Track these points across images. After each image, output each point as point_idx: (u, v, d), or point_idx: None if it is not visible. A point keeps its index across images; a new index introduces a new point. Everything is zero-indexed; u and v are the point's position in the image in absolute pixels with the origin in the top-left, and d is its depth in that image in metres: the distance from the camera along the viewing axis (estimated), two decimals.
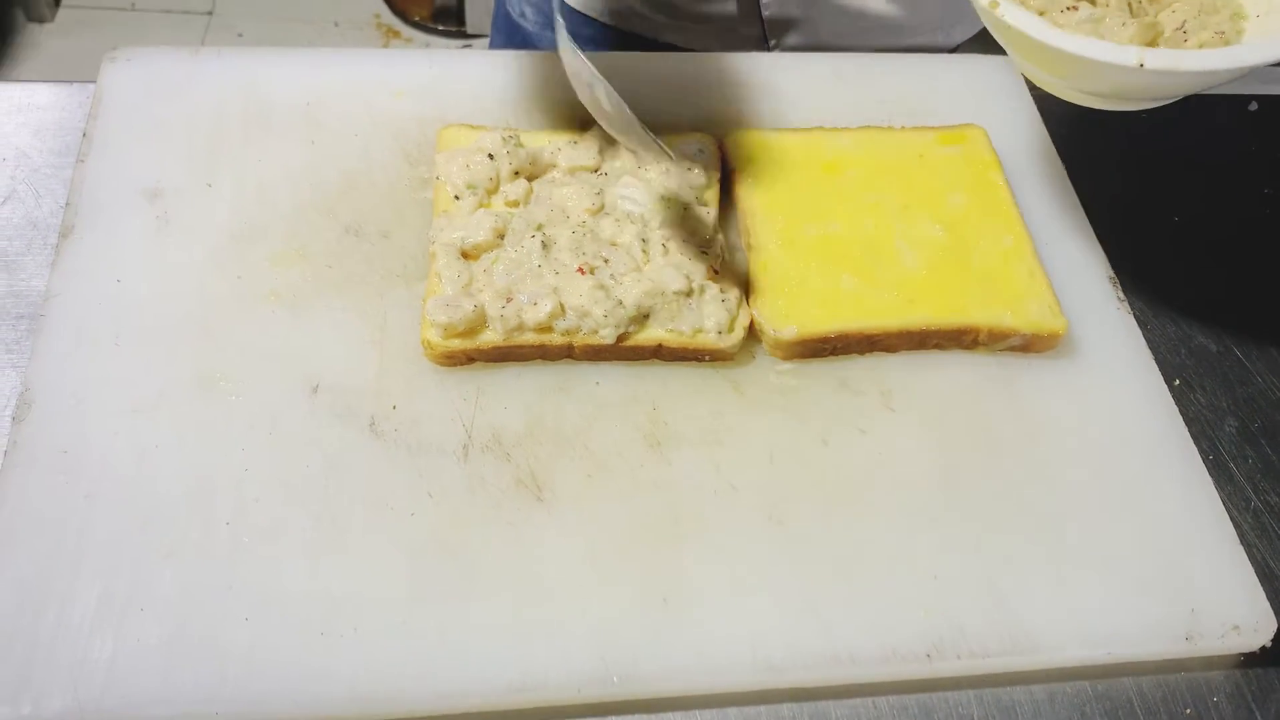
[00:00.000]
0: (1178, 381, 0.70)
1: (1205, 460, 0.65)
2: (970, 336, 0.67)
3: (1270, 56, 0.57)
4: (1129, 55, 0.57)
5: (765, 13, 0.92)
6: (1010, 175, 0.74)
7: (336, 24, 2.54)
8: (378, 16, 2.57)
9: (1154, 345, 0.70)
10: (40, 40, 2.43)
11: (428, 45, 2.53)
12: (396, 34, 2.54)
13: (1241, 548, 0.61)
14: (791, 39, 0.95)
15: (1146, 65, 0.57)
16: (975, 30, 1.00)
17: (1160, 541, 0.61)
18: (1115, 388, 0.67)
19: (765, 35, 0.94)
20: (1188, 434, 0.66)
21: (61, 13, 2.48)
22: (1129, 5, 0.65)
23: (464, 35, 2.53)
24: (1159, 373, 0.68)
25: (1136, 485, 0.63)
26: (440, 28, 2.54)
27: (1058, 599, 0.58)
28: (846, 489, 0.61)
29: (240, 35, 2.48)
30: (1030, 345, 0.67)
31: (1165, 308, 0.74)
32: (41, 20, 2.45)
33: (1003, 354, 0.68)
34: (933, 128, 0.77)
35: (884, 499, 0.61)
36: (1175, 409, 0.67)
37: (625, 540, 0.58)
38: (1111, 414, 0.66)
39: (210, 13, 2.52)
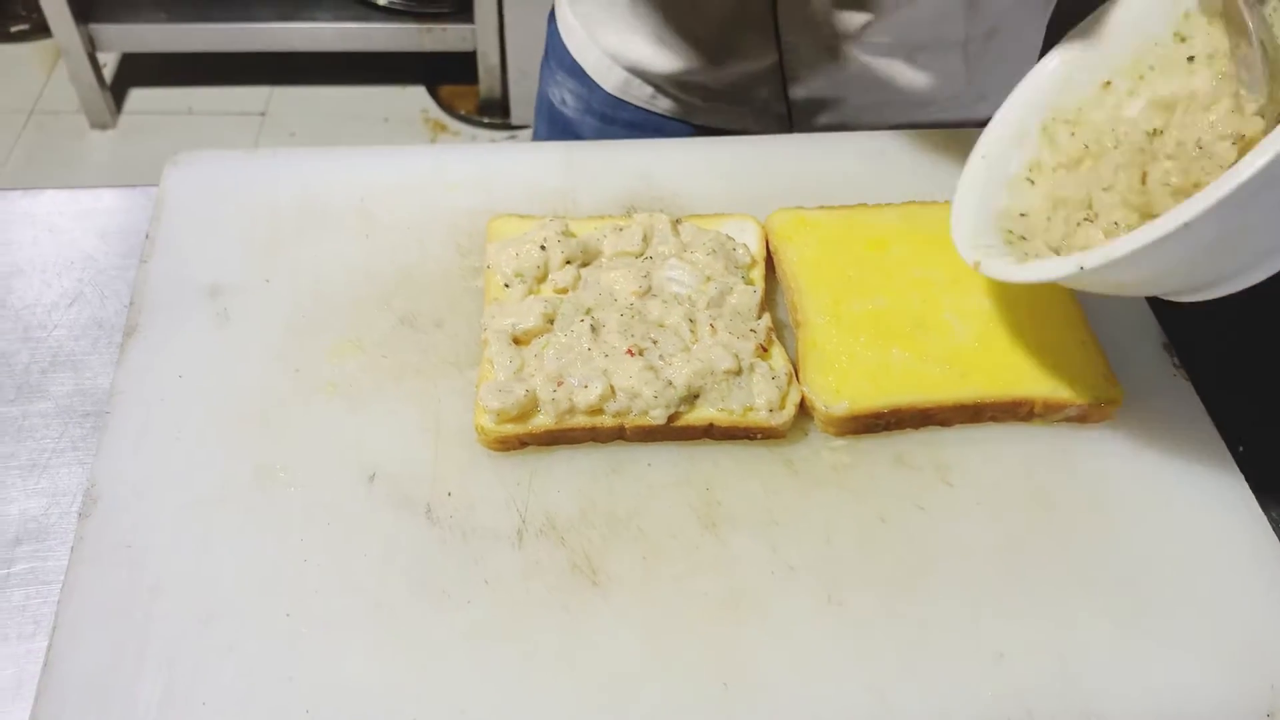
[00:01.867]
0: (1241, 448, 0.68)
1: (1276, 530, 0.63)
2: (1025, 408, 0.66)
3: (1181, 218, 0.52)
4: (1069, 265, 0.57)
5: (792, 94, 0.94)
6: None
7: (386, 120, 2.62)
8: (425, 112, 2.65)
9: (1213, 412, 0.68)
10: (103, 145, 2.53)
11: (474, 138, 2.59)
12: (444, 127, 2.61)
13: None
14: (822, 116, 0.96)
15: (1086, 268, 0.56)
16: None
17: (1234, 615, 0.59)
18: (1177, 457, 0.66)
19: (791, 114, 0.96)
20: (1255, 503, 0.64)
21: (123, 119, 2.59)
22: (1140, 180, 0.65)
23: (509, 126, 2.60)
24: (1221, 440, 0.67)
25: (1205, 557, 0.62)
26: (486, 120, 2.61)
27: (1130, 677, 0.56)
28: (907, 567, 0.60)
29: (293, 134, 2.57)
30: (1087, 416, 0.66)
31: (1222, 372, 0.72)
32: (104, 127, 2.55)
33: (1059, 425, 0.67)
34: None
35: (946, 577, 0.60)
36: (1241, 477, 0.65)
37: (682, 624, 0.57)
38: (1175, 484, 0.65)
39: (263, 114, 2.62)
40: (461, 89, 2.65)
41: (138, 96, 2.64)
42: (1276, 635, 0.58)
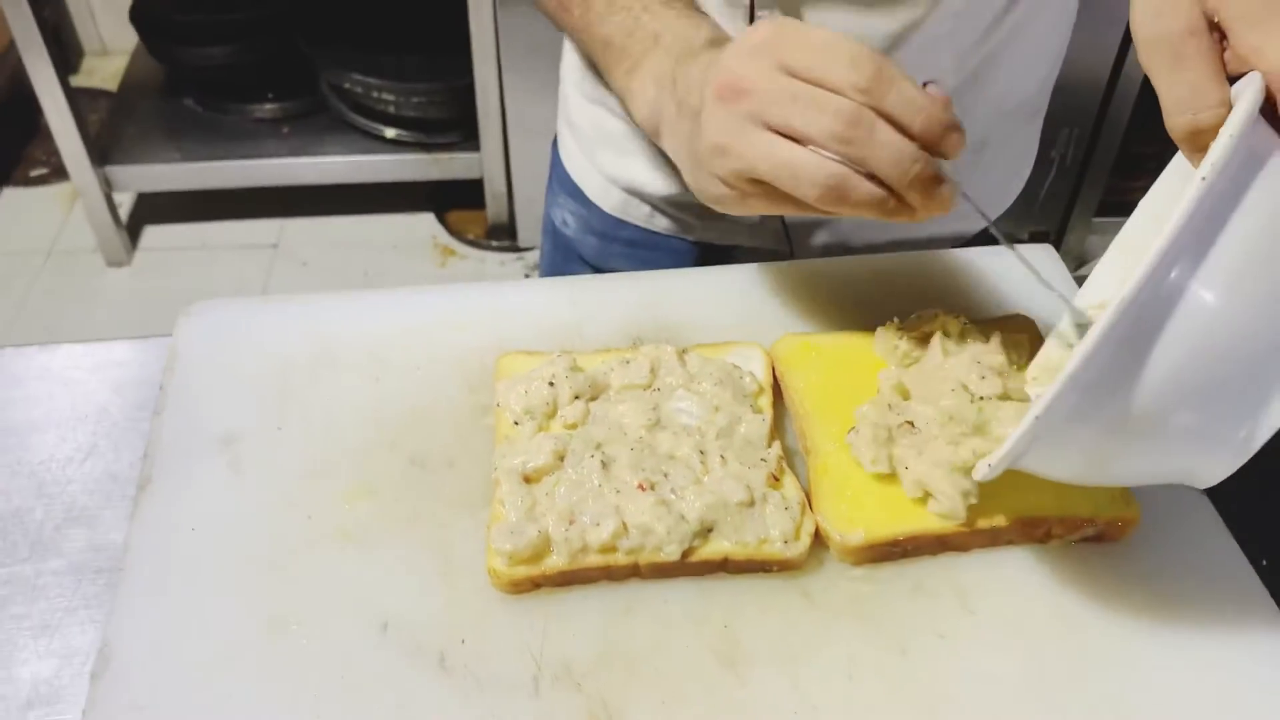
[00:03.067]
0: (1265, 563, 0.67)
1: None
2: (1042, 530, 0.66)
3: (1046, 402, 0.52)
4: (982, 466, 0.58)
5: (786, 217, 0.96)
6: None
7: (395, 247, 2.67)
8: (434, 238, 2.70)
9: (1233, 526, 0.68)
10: (120, 283, 2.58)
11: (483, 261, 2.64)
12: (453, 252, 2.66)
13: None
14: (818, 234, 0.98)
15: (993, 466, 0.57)
16: (994, 217, 1.03)
17: None
18: (1198, 574, 0.65)
19: (787, 229, 0.97)
20: None
21: (138, 256, 2.64)
22: None
23: (517, 249, 2.65)
24: (1243, 555, 0.66)
25: (1236, 678, 0.60)
26: (494, 244, 2.66)
27: None
28: (931, 701, 0.59)
29: (305, 264, 2.62)
30: (1104, 534, 0.66)
31: (1241, 485, 0.71)
32: (120, 264, 2.61)
33: (1077, 545, 0.66)
34: (980, 321, 0.77)
35: (971, 709, 0.59)
36: (1266, 593, 0.64)
37: None
38: (1198, 602, 0.64)
39: (275, 245, 2.67)
40: (469, 214, 2.71)
41: (153, 234, 2.70)
42: None
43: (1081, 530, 0.66)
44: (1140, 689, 0.60)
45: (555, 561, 0.64)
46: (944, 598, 0.64)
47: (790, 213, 0.65)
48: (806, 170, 0.60)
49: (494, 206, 2.61)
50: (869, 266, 0.86)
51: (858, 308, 0.81)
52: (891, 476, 0.67)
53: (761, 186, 0.63)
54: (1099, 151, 2.36)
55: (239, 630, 0.62)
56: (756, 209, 0.66)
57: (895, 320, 0.74)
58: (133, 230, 2.68)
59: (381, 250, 2.66)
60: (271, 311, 0.81)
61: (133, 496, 0.69)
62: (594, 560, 0.64)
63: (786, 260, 0.88)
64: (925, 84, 0.88)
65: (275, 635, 0.62)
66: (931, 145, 0.60)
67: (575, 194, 1.07)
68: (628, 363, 0.74)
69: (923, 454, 0.65)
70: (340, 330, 0.79)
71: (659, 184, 0.98)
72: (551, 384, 0.72)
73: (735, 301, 0.83)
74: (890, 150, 0.58)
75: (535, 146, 2.43)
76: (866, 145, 0.58)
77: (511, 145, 2.45)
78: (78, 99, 2.39)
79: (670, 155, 0.74)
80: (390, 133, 2.55)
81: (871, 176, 0.60)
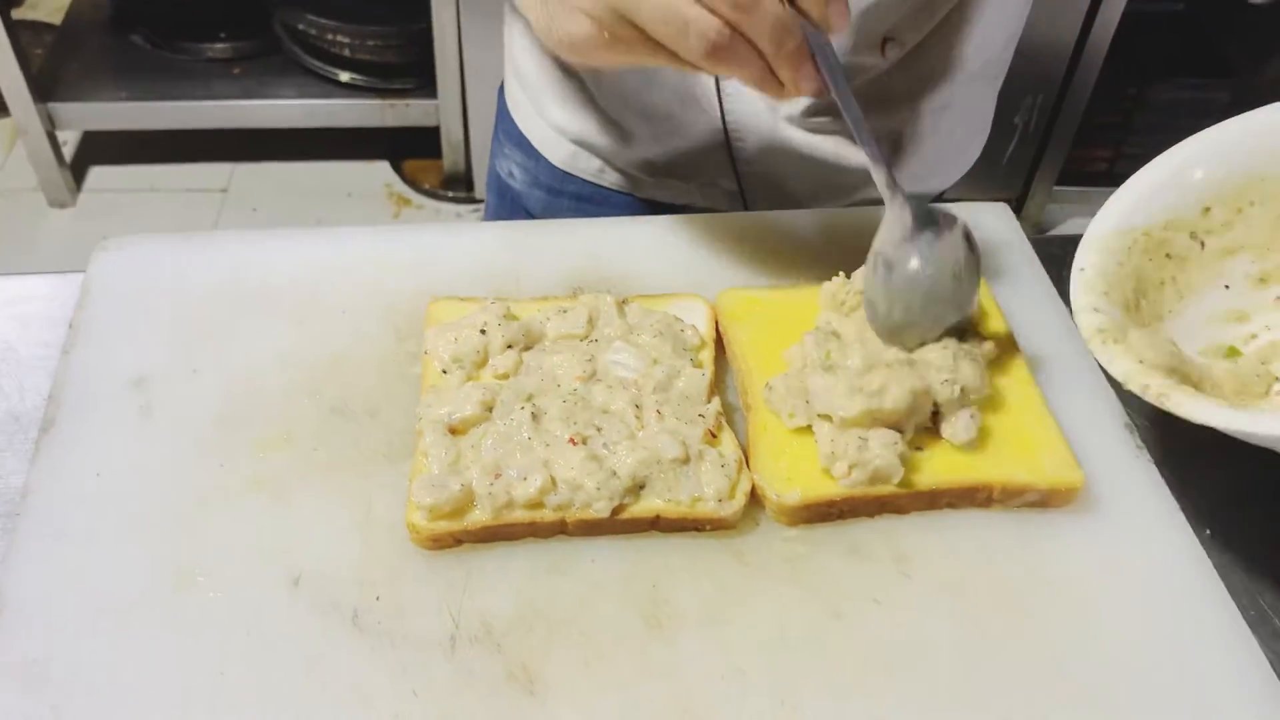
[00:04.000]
0: (1209, 531, 0.66)
1: (1247, 616, 0.61)
2: (984, 494, 0.64)
3: None
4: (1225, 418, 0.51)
5: (740, 172, 0.92)
6: (1013, 324, 0.72)
7: (349, 195, 2.61)
8: (389, 186, 2.64)
9: (1178, 494, 0.66)
10: (61, 225, 2.50)
11: (438, 211, 2.58)
12: (408, 202, 2.60)
13: None
14: (772, 193, 0.95)
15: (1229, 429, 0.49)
16: (952, 180, 1.01)
17: (1207, 706, 0.56)
18: (1142, 541, 0.63)
19: (742, 190, 0.94)
20: (1224, 589, 0.61)
21: (82, 197, 2.56)
22: None
23: (473, 200, 2.59)
24: (1187, 523, 0.64)
25: (1176, 647, 0.59)
26: (450, 194, 2.61)
27: None
28: (864, 666, 0.57)
29: (255, 210, 2.55)
30: (1047, 500, 0.64)
31: (1187, 453, 0.70)
32: (63, 205, 2.52)
33: (1019, 510, 0.64)
34: None
35: (905, 675, 0.57)
36: (1208, 562, 0.63)
37: None
38: (1141, 570, 0.62)
39: (225, 190, 2.60)
40: (425, 163, 2.65)
41: (98, 174, 2.62)
42: None
43: (1024, 496, 0.64)
44: (1079, 658, 0.58)
45: (478, 517, 0.61)
46: (881, 561, 0.62)
47: (648, 64, 0.61)
48: (698, 24, 0.56)
49: (450, 156, 2.55)
50: (817, 220, 0.83)
51: (805, 262, 0.78)
52: None
53: (635, 31, 0.58)
54: (1062, 120, 2.35)
55: (143, 582, 0.59)
56: (614, 59, 0.61)
57: (842, 274, 0.72)
58: (77, 170, 2.59)
59: (334, 198, 2.60)
60: (193, 249, 0.77)
61: (35, 439, 0.65)
62: (519, 516, 0.61)
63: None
64: (885, 41, 0.85)
65: (181, 588, 0.59)
66: (814, 15, 0.60)
67: (522, 145, 1.03)
68: (564, 312, 0.71)
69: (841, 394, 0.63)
70: (263, 270, 0.75)
71: (609, 137, 0.94)
72: (483, 332, 0.69)
73: (680, 253, 0.80)
74: (771, 20, 0.57)
75: (494, 95, 2.37)
76: (754, 11, 0.57)
77: (469, 93, 2.40)
78: (19, 32, 2.31)
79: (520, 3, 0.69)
80: (345, 76, 2.48)
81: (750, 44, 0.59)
